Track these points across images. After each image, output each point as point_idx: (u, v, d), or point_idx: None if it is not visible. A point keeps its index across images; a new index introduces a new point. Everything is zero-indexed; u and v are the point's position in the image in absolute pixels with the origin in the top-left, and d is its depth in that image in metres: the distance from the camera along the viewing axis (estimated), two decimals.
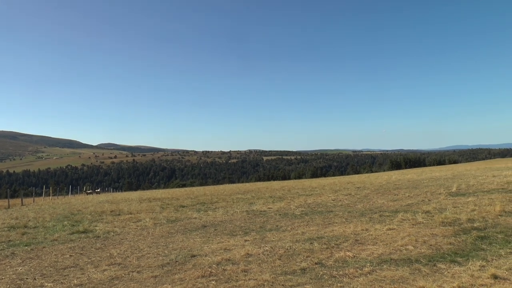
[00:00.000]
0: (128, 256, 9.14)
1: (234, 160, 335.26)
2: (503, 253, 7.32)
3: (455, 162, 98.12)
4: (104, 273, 7.74)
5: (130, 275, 7.51)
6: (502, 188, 16.76)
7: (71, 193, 61.06)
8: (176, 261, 8.34)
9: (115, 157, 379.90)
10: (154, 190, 46.64)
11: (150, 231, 12.64)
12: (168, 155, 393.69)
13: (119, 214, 17.45)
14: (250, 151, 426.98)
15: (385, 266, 6.95)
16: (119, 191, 78.57)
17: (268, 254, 8.40)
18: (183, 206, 19.37)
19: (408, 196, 17.25)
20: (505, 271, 6.20)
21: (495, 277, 5.93)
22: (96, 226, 14.26)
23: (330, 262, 7.49)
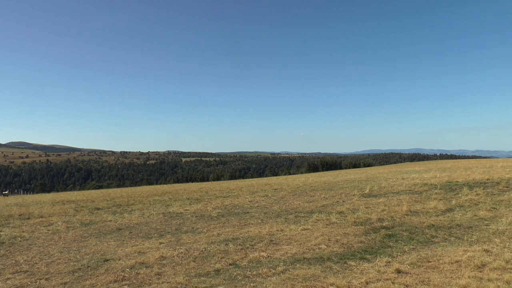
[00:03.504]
0: (36, 263, 8.65)
1: (153, 161, 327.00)
2: (406, 249, 8.11)
3: (369, 165, 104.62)
4: (7, 282, 7.27)
5: (37, 283, 7.14)
6: (410, 190, 18.26)
7: None
8: (88, 266, 8.11)
9: (27, 156, 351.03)
10: (69, 192, 43.88)
11: (62, 235, 12.07)
12: (84, 155, 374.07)
13: (28, 218, 16.25)
14: (169, 152, 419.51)
15: (298, 265, 7.31)
16: (30, 193, 72.82)
17: (182, 257, 8.47)
18: (99, 209, 18.66)
19: (324, 197, 18.10)
20: (407, 265, 6.87)
21: (398, 271, 6.54)
22: (1, 231, 13.19)
23: (244, 263, 7.72)
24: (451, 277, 6.13)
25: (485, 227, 9.83)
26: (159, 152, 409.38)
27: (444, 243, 8.60)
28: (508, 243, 8.09)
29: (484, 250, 7.55)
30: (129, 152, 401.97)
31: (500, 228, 9.53)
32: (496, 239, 8.50)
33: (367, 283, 6.11)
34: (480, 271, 6.30)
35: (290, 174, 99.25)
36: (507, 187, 16.63)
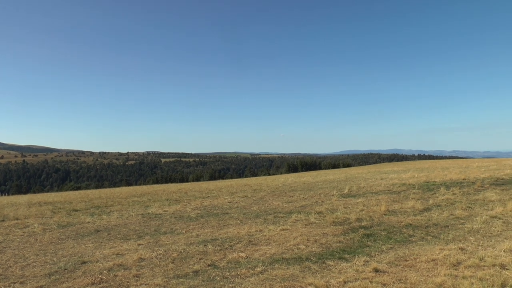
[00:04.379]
0: (10, 266, 8.47)
1: (132, 162, 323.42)
2: (384, 249, 8.24)
3: (348, 165, 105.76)
4: None
5: (12, 287, 6.99)
6: (388, 190, 18.55)
7: None
8: (65, 269, 7.99)
9: (2, 157, 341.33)
10: (46, 194, 43.00)
11: (38, 238, 11.84)
12: (62, 155, 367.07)
13: (3, 220, 15.87)
14: (148, 153, 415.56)
15: (276, 265, 7.35)
16: (5, 195, 71.07)
17: (161, 258, 8.44)
18: (76, 210, 18.40)
19: (303, 198, 18.22)
20: (385, 264, 6.99)
21: (376, 270, 6.65)
22: None
23: (223, 264, 7.73)
24: (428, 275, 6.26)
25: (460, 226, 10.07)
26: (138, 152, 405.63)
27: (421, 242, 8.78)
28: (482, 241, 8.31)
29: (460, 249, 7.73)
30: (108, 152, 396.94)
31: (475, 226, 9.78)
32: (471, 238, 8.72)
33: (345, 282, 6.20)
34: (456, 269, 6.45)
35: (269, 174, 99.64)
36: (482, 186, 17.07)
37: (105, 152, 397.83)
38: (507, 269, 6.18)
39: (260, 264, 7.50)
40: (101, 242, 10.72)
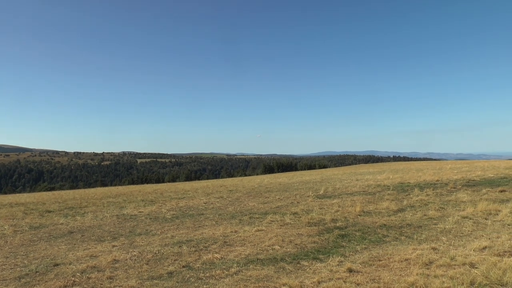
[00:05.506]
0: None
1: (107, 162, 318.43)
2: (359, 249, 8.38)
3: (324, 166, 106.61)
4: None
5: None
6: (363, 191, 18.84)
7: None
8: (37, 272, 7.82)
9: None
10: (17, 194, 41.94)
11: (8, 240, 11.58)
12: (35, 155, 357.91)
13: None
14: (124, 153, 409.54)
15: (251, 266, 7.39)
16: None
17: (136, 259, 8.38)
18: (50, 211, 18.04)
19: (279, 198, 18.33)
20: (359, 264, 7.10)
21: (350, 270, 6.75)
22: None
23: (198, 265, 7.72)
24: (400, 275, 6.39)
25: (433, 226, 10.30)
26: (114, 153, 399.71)
27: (395, 242, 8.94)
28: (453, 241, 8.52)
29: (432, 248, 7.91)
30: (83, 152, 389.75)
31: (447, 227, 10.02)
32: (443, 238, 8.93)
33: (319, 282, 6.26)
34: (428, 268, 6.60)
35: (245, 175, 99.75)
36: (454, 188, 17.50)
37: (80, 152, 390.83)
38: (476, 268, 6.36)
39: (235, 265, 7.52)
40: (75, 244, 10.57)
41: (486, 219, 10.69)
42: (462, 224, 10.25)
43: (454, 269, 6.44)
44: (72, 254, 9.32)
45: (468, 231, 9.49)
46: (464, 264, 6.67)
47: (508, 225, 9.81)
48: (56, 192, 38.75)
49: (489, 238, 8.49)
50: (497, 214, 11.05)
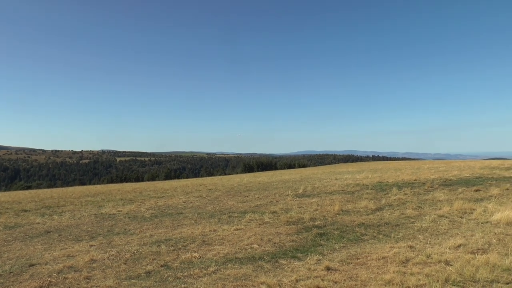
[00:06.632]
0: None
1: (86, 161, 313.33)
2: (337, 247, 8.48)
3: (304, 166, 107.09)
4: None
5: None
6: (342, 190, 19.03)
7: None
8: (11, 272, 7.69)
9: None
10: None
11: None
12: (12, 153, 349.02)
13: None
14: (103, 152, 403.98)
15: (229, 265, 7.41)
16: None
17: (113, 259, 8.31)
18: (26, 211, 17.66)
19: (258, 197, 18.37)
20: (337, 263, 7.19)
21: (328, 269, 6.83)
22: None
23: (176, 264, 7.70)
24: (378, 273, 6.49)
25: (410, 224, 10.49)
26: (93, 151, 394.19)
27: (372, 240, 9.07)
28: (430, 239, 8.70)
29: (409, 246, 8.06)
30: (61, 150, 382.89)
31: (424, 225, 10.22)
32: (420, 236, 9.10)
33: (297, 280, 6.31)
34: (404, 266, 6.72)
35: (225, 174, 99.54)
36: (431, 187, 17.84)
37: (58, 150, 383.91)
38: (451, 265, 6.52)
39: (213, 264, 7.53)
40: (51, 244, 10.40)
41: (461, 217, 10.95)
42: (438, 222, 10.47)
43: (430, 266, 6.58)
44: (49, 254, 9.18)
45: (444, 229, 9.70)
46: (439, 261, 6.82)
47: (482, 223, 10.07)
48: (33, 191, 37.95)
49: (464, 236, 8.70)
50: (472, 213, 11.34)
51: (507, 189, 15.65)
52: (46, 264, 8.16)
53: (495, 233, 8.82)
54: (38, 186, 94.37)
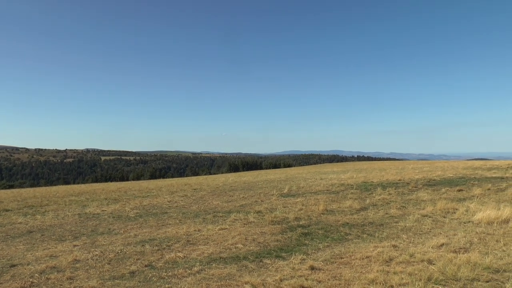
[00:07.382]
0: None
1: (70, 160, 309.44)
2: (321, 247, 8.54)
3: (289, 165, 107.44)
4: None
5: None
6: (327, 190, 19.14)
7: None
8: None
9: None
10: None
11: None
12: None
13: None
14: (88, 150, 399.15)
15: (214, 265, 7.40)
16: None
17: (97, 259, 8.24)
18: (7, 210, 17.39)
19: (243, 197, 18.38)
20: (321, 262, 7.23)
21: (312, 268, 6.87)
22: None
23: (160, 264, 7.68)
24: (361, 272, 6.55)
25: (394, 224, 10.61)
26: (77, 150, 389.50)
27: (357, 240, 9.16)
28: (413, 239, 8.81)
29: (392, 246, 8.15)
30: (45, 149, 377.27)
31: (407, 225, 10.35)
32: (403, 235, 9.21)
33: (281, 280, 6.34)
34: (388, 265, 6.80)
35: (211, 174, 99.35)
36: (415, 187, 18.05)
37: (41, 149, 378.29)
38: (433, 264, 6.61)
39: (198, 263, 7.51)
40: (34, 244, 10.28)
41: (444, 217, 11.11)
42: (422, 222, 10.61)
43: (413, 265, 6.67)
44: (31, 254, 9.07)
45: (427, 229, 9.83)
46: (422, 260, 6.91)
47: (464, 223, 10.24)
48: (15, 190, 37.37)
49: (447, 236, 8.83)
50: (455, 213, 11.52)
51: (489, 189, 15.92)
52: (28, 265, 8.06)
53: (477, 232, 8.97)
54: (21, 185, 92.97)
